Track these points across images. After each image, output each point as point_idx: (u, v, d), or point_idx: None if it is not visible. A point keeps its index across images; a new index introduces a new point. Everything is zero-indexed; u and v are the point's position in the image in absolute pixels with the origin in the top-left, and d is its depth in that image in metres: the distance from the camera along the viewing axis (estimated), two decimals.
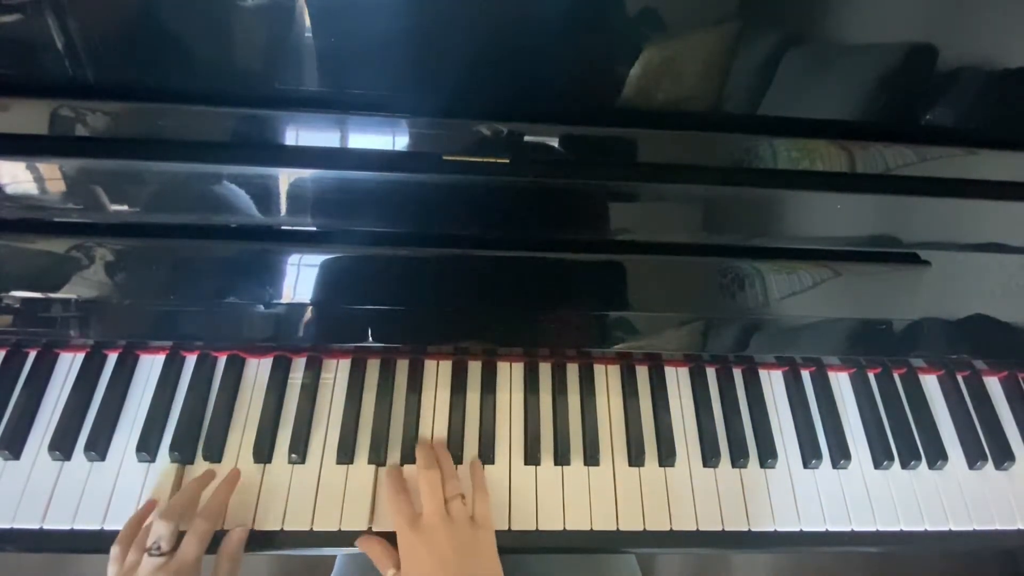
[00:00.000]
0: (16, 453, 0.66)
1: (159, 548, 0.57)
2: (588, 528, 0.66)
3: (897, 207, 0.64)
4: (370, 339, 0.67)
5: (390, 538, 0.62)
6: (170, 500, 0.63)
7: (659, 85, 0.58)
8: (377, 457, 0.68)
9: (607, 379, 0.75)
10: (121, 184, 0.59)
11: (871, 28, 0.55)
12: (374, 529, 0.64)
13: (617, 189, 0.62)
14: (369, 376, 0.73)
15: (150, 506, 0.64)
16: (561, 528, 0.66)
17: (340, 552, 0.70)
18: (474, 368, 0.75)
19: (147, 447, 0.67)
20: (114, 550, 0.59)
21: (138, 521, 0.62)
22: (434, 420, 0.71)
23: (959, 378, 0.78)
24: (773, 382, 0.77)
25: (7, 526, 0.63)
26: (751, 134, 0.60)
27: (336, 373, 0.73)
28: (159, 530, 0.58)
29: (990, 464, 0.73)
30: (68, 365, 0.72)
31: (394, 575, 0.59)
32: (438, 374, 0.74)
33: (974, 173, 0.62)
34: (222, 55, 0.55)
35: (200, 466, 0.67)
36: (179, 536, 0.59)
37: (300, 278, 0.64)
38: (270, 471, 0.67)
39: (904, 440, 0.73)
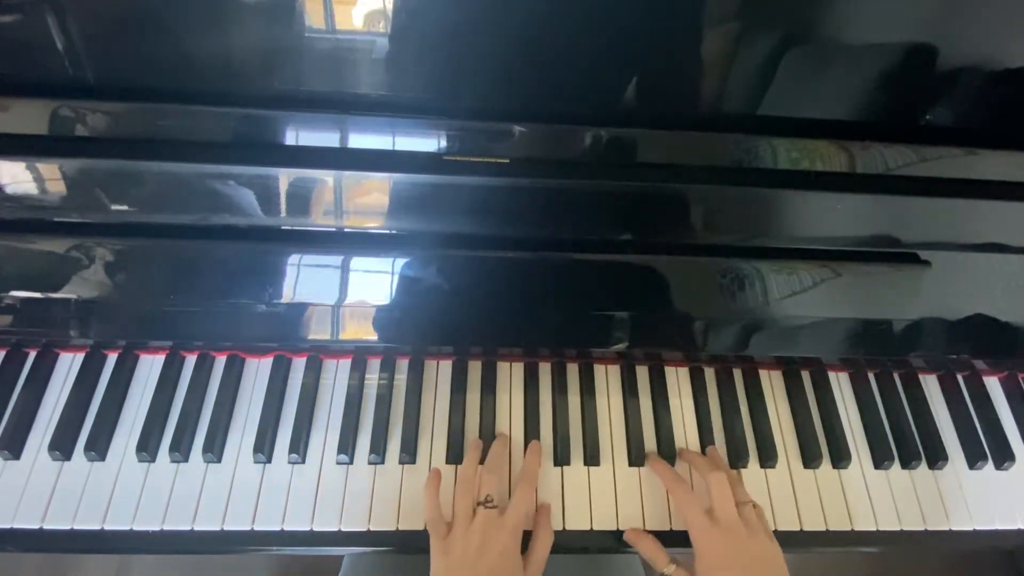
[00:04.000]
0: (16, 453, 0.66)
1: (492, 501, 0.59)
2: (588, 528, 0.66)
3: (897, 207, 0.64)
4: (369, 339, 0.68)
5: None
6: (488, 460, 0.65)
7: (659, 85, 0.58)
8: (377, 458, 0.68)
9: (607, 379, 0.75)
10: (121, 184, 0.59)
11: (871, 28, 0.55)
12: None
13: (617, 189, 0.62)
14: (369, 376, 0.73)
15: (476, 451, 0.66)
16: (561, 528, 0.66)
17: (347, 552, 0.70)
18: (474, 368, 0.74)
19: (147, 447, 0.67)
20: (431, 501, 0.61)
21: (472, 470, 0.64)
22: (434, 420, 0.71)
23: (959, 378, 0.78)
24: (773, 382, 0.77)
25: (7, 526, 0.63)
26: (751, 134, 0.60)
27: (336, 373, 0.73)
28: (490, 484, 0.60)
29: (990, 464, 0.73)
30: (68, 365, 0.72)
31: (675, 571, 0.60)
32: (438, 373, 0.74)
33: (974, 173, 0.62)
34: (221, 55, 0.55)
35: (199, 467, 0.67)
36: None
37: (300, 278, 0.64)
38: (270, 471, 0.67)
39: (904, 440, 0.73)
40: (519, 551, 0.59)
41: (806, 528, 0.68)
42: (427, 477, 0.64)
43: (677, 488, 0.64)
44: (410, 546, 0.65)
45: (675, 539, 0.66)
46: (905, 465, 0.72)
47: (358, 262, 0.64)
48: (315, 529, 0.64)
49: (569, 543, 0.66)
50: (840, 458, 0.71)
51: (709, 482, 0.62)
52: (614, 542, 0.66)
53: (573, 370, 0.75)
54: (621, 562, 0.79)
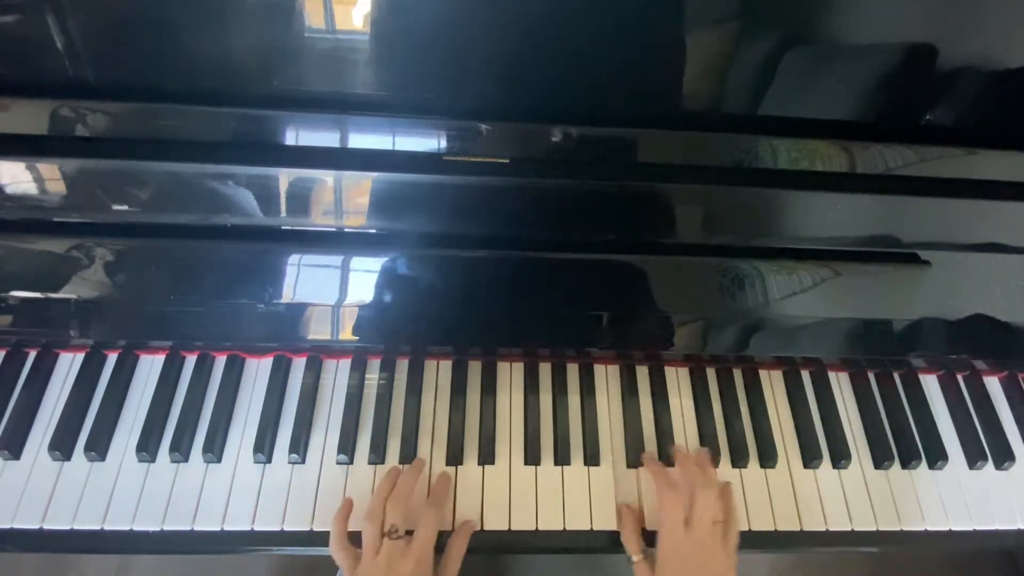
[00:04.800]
0: (16, 453, 0.66)
1: (396, 531, 0.59)
2: (588, 528, 0.66)
3: (897, 207, 0.64)
4: (370, 339, 0.68)
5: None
6: (396, 488, 0.64)
7: (659, 85, 0.58)
8: (377, 457, 0.68)
9: (607, 379, 0.75)
10: (121, 184, 0.59)
11: (871, 28, 0.55)
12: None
13: (617, 189, 0.62)
14: (369, 376, 0.73)
15: (389, 481, 0.65)
16: (561, 528, 0.66)
17: None
18: (474, 368, 0.74)
19: (147, 447, 0.67)
20: (337, 534, 0.61)
21: (348, 508, 0.64)
22: (434, 420, 0.71)
23: (959, 378, 0.78)
24: (773, 382, 0.77)
25: (7, 526, 0.63)
26: (751, 134, 0.60)
27: (336, 373, 0.73)
28: (394, 515, 0.60)
29: (990, 464, 0.73)
30: (68, 365, 0.72)
31: (640, 560, 0.62)
32: (438, 374, 0.74)
33: (974, 173, 0.62)
34: (221, 55, 0.55)
35: (199, 467, 0.67)
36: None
37: (299, 278, 0.64)
38: (270, 471, 0.67)
39: (904, 440, 0.73)
40: (429, 573, 0.59)
41: (806, 528, 0.68)
42: (339, 508, 0.64)
43: (667, 492, 0.64)
44: None
45: None
46: (905, 465, 0.72)
47: (357, 262, 0.64)
48: (315, 529, 0.64)
49: (569, 543, 0.66)
50: (840, 458, 0.71)
51: (696, 495, 0.62)
52: (613, 542, 0.66)
53: (573, 370, 0.75)
54: (619, 562, 0.79)
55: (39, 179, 0.58)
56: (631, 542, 0.64)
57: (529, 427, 0.71)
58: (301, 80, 0.57)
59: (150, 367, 0.73)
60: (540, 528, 0.66)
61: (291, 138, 0.59)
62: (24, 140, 0.57)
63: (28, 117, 0.57)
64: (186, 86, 0.56)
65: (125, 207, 0.60)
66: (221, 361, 0.73)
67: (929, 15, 0.54)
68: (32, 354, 0.72)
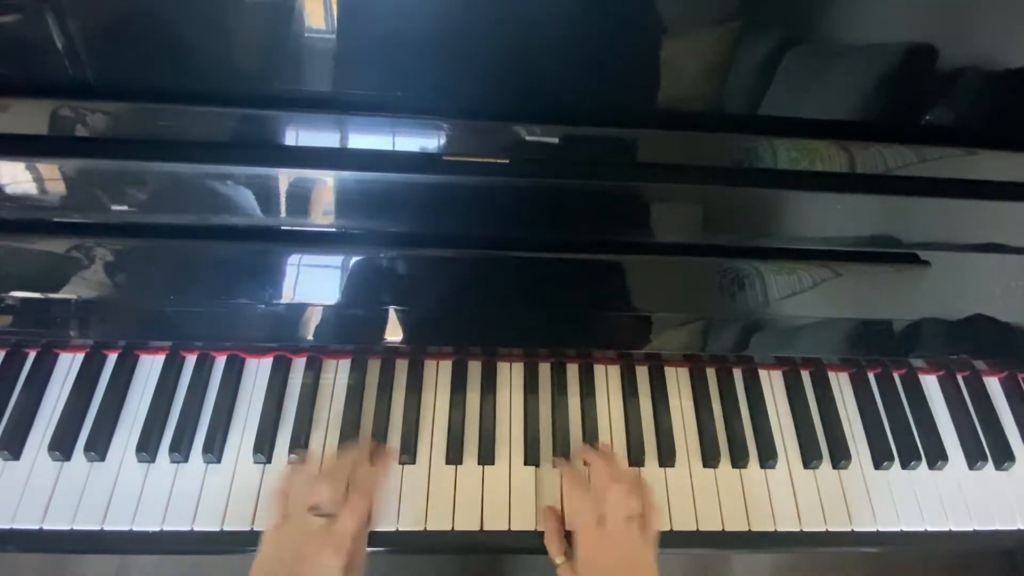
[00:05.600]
0: (16, 453, 0.66)
1: (320, 509, 0.57)
2: None
3: (897, 207, 0.64)
4: (369, 339, 0.67)
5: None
6: (334, 464, 0.62)
7: (659, 85, 0.58)
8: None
9: (607, 379, 0.75)
10: (121, 184, 0.59)
11: (871, 28, 0.55)
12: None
13: (617, 189, 0.62)
14: (369, 376, 0.73)
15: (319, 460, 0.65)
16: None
17: None
18: (474, 368, 0.74)
19: (147, 447, 0.67)
20: (279, 493, 0.59)
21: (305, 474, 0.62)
22: (434, 420, 0.71)
23: (959, 378, 0.78)
24: (773, 382, 0.77)
25: (7, 526, 0.63)
26: (751, 134, 0.60)
27: (336, 373, 0.73)
28: (323, 493, 0.57)
29: (990, 464, 0.73)
30: (68, 365, 0.72)
31: (563, 563, 0.61)
32: (438, 374, 0.74)
33: (974, 173, 0.62)
34: (221, 55, 0.55)
35: (199, 467, 0.67)
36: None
37: (299, 278, 0.64)
38: (270, 472, 0.67)
39: (904, 440, 0.73)
40: (341, 565, 0.55)
41: (806, 528, 0.68)
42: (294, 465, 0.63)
43: (574, 491, 0.63)
44: (410, 546, 0.65)
45: (675, 539, 0.66)
46: (905, 465, 0.72)
47: (357, 262, 0.64)
48: None
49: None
50: (840, 458, 0.71)
51: (608, 493, 0.61)
52: None
53: (573, 370, 0.75)
54: None
55: (39, 179, 0.58)
56: (553, 544, 0.63)
57: (529, 427, 0.71)
58: (300, 80, 0.57)
59: (150, 367, 0.72)
60: (540, 528, 0.65)
61: (291, 138, 0.59)
62: (24, 140, 0.57)
63: (28, 117, 0.57)
64: (186, 86, 0.56)
65: (125, 207, 0.60)
66: (221, 361, 0.73)
67: (929, 15, 0.54)
68: (32, 354, 0.72)
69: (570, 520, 0.64)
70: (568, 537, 0.63)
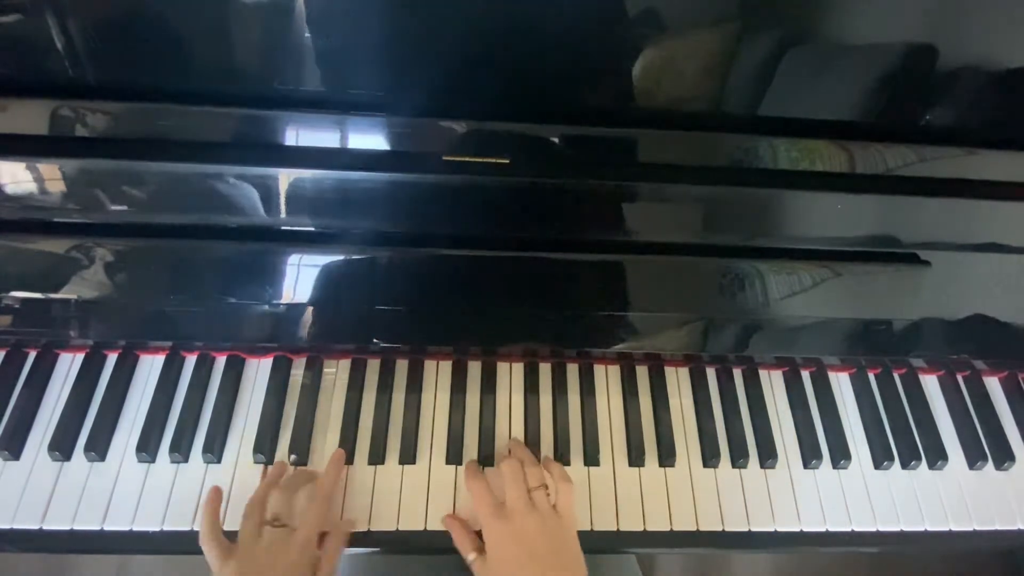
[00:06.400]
0: (16, 453, 0.66)
1: (279, 520, 0.58)
2: (588, 528, 0.66)
3: (897, 207, 0.64)
4: (370, 340, 0.67)
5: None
6: (289, 478, 0.63)
7: (659, 85, 0.58)
8: (376, 458, 0.68)
9: (607, 379, 0.75)
10: (121, 184, 0.59)
11: (871, 28, 0.55)
12: (372, 529, 0.64)
13: (617, 189, 0.62)
14: (369, 376, 0.73)
15: (276, 472, 0.65)
16: None
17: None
18: (474, 368, 0.74)
19: (147, 447, 0.67)
20: (209, 525, 0.60)
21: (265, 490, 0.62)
22: (434, 420, 0.71)
23: (959, 378, 0.78)
24: (773, 382, 0.77)
25: (7, 526, 0.63)
26: (751, 134, 0.60)
27: (336, 373, 0.73)
28: (278, 504, 0.59)
29: (990, 464, 0.73)
30: (68, 365, 0.72)
31: (475, 559, 0.60)
32: (438, 374, 0.74)
33: (974, 173, 0.62)
34: (221, 55, 0.55)
35: (199, 467, 0.67)
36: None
37: (300, 278, 0.64)
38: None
39: (904, 440, 0.73)
40: (309, 569, 0.57)
41: (805, 528, 0.68)
42: (206, 498, 0.62)
43: (472, 483, 0.63)
44: (410, 546, 0.65)
45: (675, 540, 0.66)
46: (905, 465, 0.72)
47: (357, 262, 0.64)
48: None
49: None
50: (840, 458, 0.71)
51: (503, 471, 0.61)
52: (613, 542, 0.66)
53: (573, 370, 0.75)
54: (620, 563, 0.79)
55: (39, 179, 0.58)
56: (463, 543, 0.61)
57: (529, 427, 0.71)
58: (300, 80, 0.57)
59: (150, 367, 0.73)
60: None
61: (291, 138, 0.59)
62: (24, 140, 0.57)
63: (28, 117, 0.57)
64: (186, 86, 0.56)
65: (125, 207, 0.60)
66: (221, 361, 0.73)
67: (929, 15, 0.54)
68: (32, 354, 0.72)
69: (473, 515, 0.64)
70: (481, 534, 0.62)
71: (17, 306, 0.65)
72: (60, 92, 0.56)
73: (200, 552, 0.60)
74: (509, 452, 0.68)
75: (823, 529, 0.68)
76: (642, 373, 0.76)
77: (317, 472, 0.66)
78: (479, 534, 0.61)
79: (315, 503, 0.61)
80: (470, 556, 0.60)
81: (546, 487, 0.61)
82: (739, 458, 0.70)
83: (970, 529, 0.69)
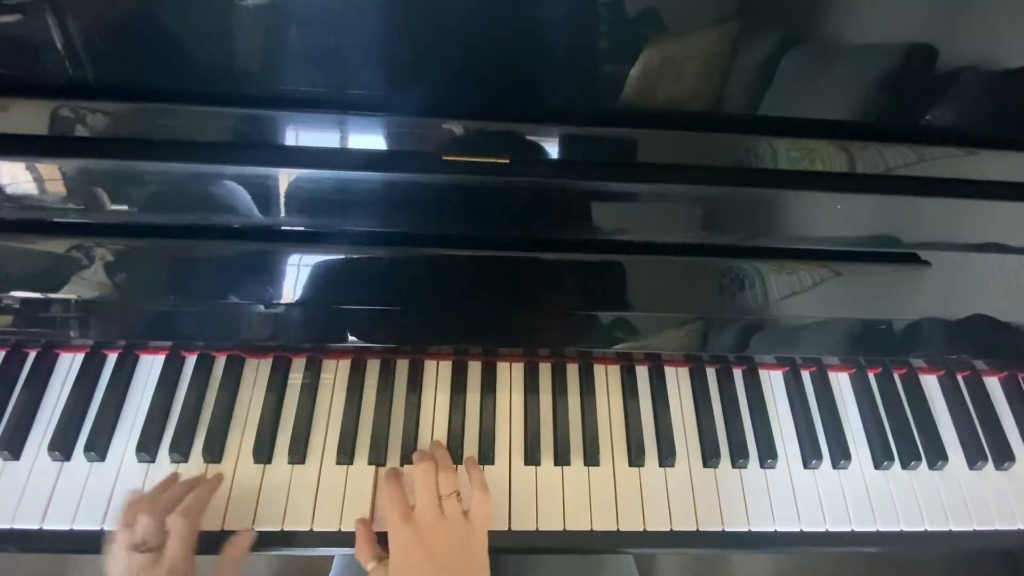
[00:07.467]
0: (16, 453, 0.66)
1: (145, 544, 0.55)
2: (588, 528, 0.66)
3: (897, 207, 0.64)
4: (370, 340, 0.67)
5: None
6: (154, 496, 0.61)
7: (659, 85, 0.58)
8: (377, 458, 0.68)
9: (607, 379, 0.75)
10: (121, 184, 0.59)
11: (871, 28, 0.55)
12: (374, 530, 0.64)
13: (617, 189, 0.62)
14: (369, 376, 0.73)
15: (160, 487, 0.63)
16: (561, 528, 0.66)
17: (337, 553, 0.70)
18: (474, 368, 0.74)
19: (147, 447, 0.67)
20: (115, 541, 0.57)
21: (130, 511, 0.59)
22: (434, 420, 0.71)
23: (959, 378, 0.78)
24: (773, 382, 0.77)
25: (7, 526, 0.63)
26: (751, 134, 0.60)
27: (336, 373, 0.73)
28: (143, 527, 0.56)
29: (990, 464, 0.73)
30: (68, 365, 0.72)
31: (374, 567, 0.59)
32: (438, 374, 0.74)
33: (974, 173, 0.62)
34: (221, 55, 0.55)
35: (199, 467, 0.67)
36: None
37: (300, 278, 0.64)
38: (270, 471, 0.67)
39: (904, 440, 0.73)
40: None
41: (805, 529, 0.68)
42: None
43: (385, 484, 0.62)
44: None
45: (675, 539, 0.66)
46: (905, 465, 0.72)
47: (358, 262, 0.64)
48: (315, 529, 0.64)
49: (569, 543, 0.66)
50: (840, 458, 0.71)
51: (415, 477, 0.60)
52: (613, 542, 0.66)
53: (573, 370, 0.75)
54: (618, 562, 0.79)
55: (39, 179, 0.58)
56: (363, 551, 0.60)
57: (529, 427, 0.71)
58: (300, 80, 0.57)
59: (150, 367, 0.72)
60: (540, 528, 0.66)
61: (290, 138, 0.59)
62: (24, 140, 0.57)
63: (28, 117, 0.57)
64: (186, 86, 0.56)
65: (125, 207, 0.60)
66: (221, 361, 0.73)
67: (929, 15, 0.54)
68: (32, 354, 0.72)
69: (380, 519, 0.63)
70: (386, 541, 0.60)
71: (17, 306, 0.65)
72: (60, 92, 0.56)
73: (199, 552, 0.60)
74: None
75: (823, 529, 0.68)
76: (642, 373, 0.76)
77: (198, 481, 0.64)
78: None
79: (178, 521, 0.57)
80: (370, 565, 0.59)
81: (458, 493, 0.60)
82: (739, 458, 0.70)
83: (970, 529, 0.69)
